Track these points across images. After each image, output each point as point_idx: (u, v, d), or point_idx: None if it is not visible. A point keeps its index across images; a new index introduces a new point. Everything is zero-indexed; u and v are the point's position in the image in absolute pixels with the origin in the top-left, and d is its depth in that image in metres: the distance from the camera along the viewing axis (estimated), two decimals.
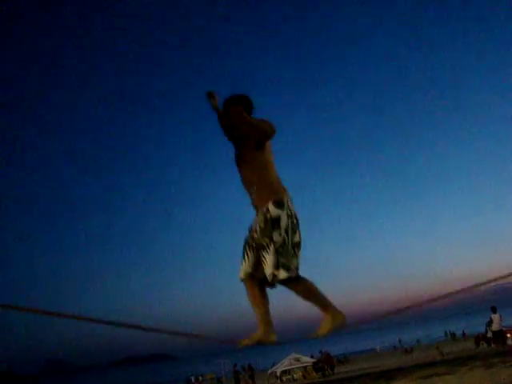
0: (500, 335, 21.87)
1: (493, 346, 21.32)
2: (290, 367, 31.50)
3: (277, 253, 3.24)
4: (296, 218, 3.41)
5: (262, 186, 3.42)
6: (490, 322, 22.22)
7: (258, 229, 3.35)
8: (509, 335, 23.87)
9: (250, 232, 3.45)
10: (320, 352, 30.82)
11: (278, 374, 31.70)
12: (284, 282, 3.31)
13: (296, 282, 3.34)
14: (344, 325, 3.48)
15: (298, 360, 31.63)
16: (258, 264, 3.36)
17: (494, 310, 21.91)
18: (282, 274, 3.23)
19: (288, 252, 3.28)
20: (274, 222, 3.28)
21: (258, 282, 3.45)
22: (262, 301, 3.49)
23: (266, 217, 3.30)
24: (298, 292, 3.39)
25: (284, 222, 3.29)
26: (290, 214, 3.35)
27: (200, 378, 49.04)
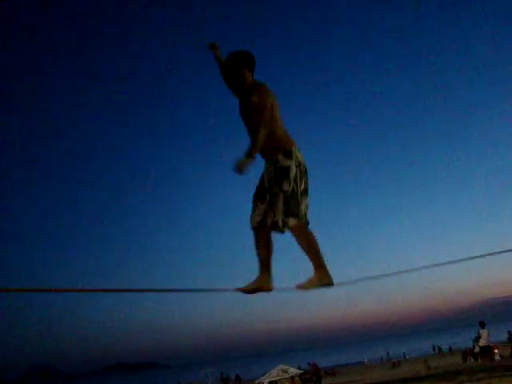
0: (488, 350, 21.81)
1: (480, 361, 21.31)
2: (277, 378, 31.43)
3: (286, 201, 3.43)
4: (304, 167, 3.59)
5: (271, 137, 3.51)
6: (478, 338, 22.14)
7: (268, 178, 3.55)
8: (496, 351, 23.86)
9: (260, 181, 3.66)
10: (308, 364, 30.74)
11: None
12: (292, 229, 3.49)
13: (302, 231, 3.54)
14: (330, 286, 3.62)
15: (285, 371, 31.60)
16: (267, 212, 3.53)
17: (482, 325, 21.81)
18: (292, 221, 3.43)
19: (296, 200, 3.47)
20: (284, 172, 3.46)
21: (267, 231, 3.60)
22: (267, 250, 3.66)
23: (276, 167, 3.49)
24: (300, 241, 3.55)
25: (293, 171, 3.48)
26: (298, 163, 3.52)
27: None
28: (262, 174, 3.66)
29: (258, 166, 3.68)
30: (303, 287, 3.64)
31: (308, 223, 3.61)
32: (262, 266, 3.65)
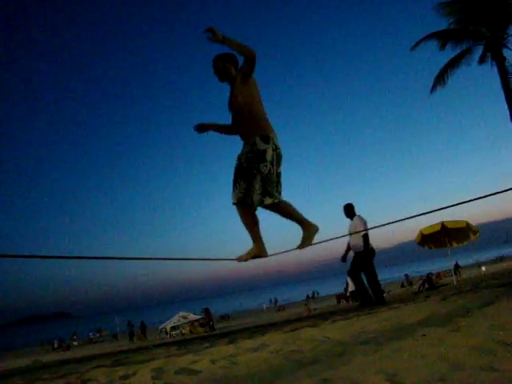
0: (356, 294, 23.39)
1: (350, 303, 22.62)
2: (178, 323, 31.60)
3: (263, 182, 3.45)
4: (280, 152, 3.59)
5: (251, 121, 3.58)
6: (347, 285, 23.77)
7: (245, 159, 3.59)
8: None
9: (238, 161, 3.70)
10: (202, 310, 31.16)
11: (168, 329, 31.64)
12: (269, 207, 3.60)
13: (278, 206, 3.62)
14: (317, 232, 3.86)
15: (185, 317, 31.89)
16: (247, 190, 3.63)
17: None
18: (267, 200, 3.52)
19: (272, 181, 3.48)
20: (261, 155, 3.45)
21: (248, 206, 3.71)
22: (253, 222, 3.80)
23: (253, 149, 3.49)
24: (279, 213, 3.69)
25: (269, 155, 3.46)
26: (274, 147, 3.53)
27: (98, 334, 47.50)
28: (239, 156, 3.69)
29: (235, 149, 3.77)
30: (303, 246, 3.82)
31: (280, 199, 3.65)
32: (254, 236, 3.78)
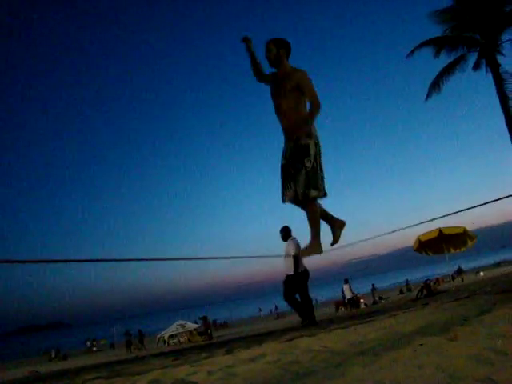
0: (354, 301, 23.42)
1: (349, 310, 22.61)
2: (176, 332, 31.51)
3: (307, 176, 3.51)
4: (320, 146, 3.65)
5: (295, 117, 3.65)
6: (343, 291, 23.95)
7: (290, 154, 3.65)
8: (362, 300, 25.53)
9: (284, 159, 3.75)
10: (199, 318, 31.03)
11: (166, 338, 31.53)
12: (312, 200, 3.61)
13: (315, 202, 3.66)
14: (319, 253, 3.84)
15: (183, 326, 31.80)
16: (291, 185, 3.63)
17: (345, 281, 23.76)
18: (312, 193, 3.55)
19: (317, 175, 3.55)
20: (305, 150, 3.53)
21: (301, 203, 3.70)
22: (321, 216, 3.82)
23: (296, 143, 3.57)
24: (308, 211, 3.69)
25: (313, 149, 3.54)
26: (317, 142, 3.61)
27: (94, 343, 47.23)
28: (283, 153, 3.76)
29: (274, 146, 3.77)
30: (304, 255, 3.93)
31: (326, 195, 3.69)
32: (315, 234, 3.77)
